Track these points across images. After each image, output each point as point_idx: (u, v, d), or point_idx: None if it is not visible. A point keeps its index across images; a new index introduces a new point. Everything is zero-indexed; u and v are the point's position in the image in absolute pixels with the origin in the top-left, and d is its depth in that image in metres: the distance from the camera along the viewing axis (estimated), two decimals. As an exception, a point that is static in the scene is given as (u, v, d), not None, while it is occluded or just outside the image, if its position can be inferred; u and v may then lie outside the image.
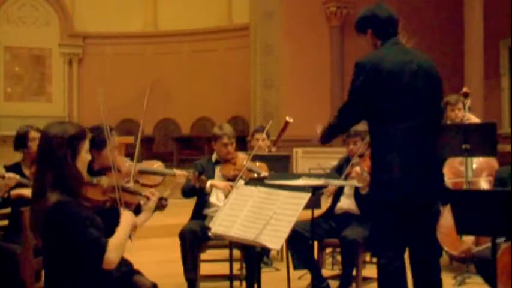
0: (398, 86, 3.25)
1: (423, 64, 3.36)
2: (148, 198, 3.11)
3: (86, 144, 2.81)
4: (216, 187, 4.73)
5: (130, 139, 9.76)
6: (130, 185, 3.88)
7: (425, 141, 3.28)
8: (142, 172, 4.21)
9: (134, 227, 2.87)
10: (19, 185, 4.26)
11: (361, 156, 4.65)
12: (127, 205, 3.26)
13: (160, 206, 3.18)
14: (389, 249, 3.30)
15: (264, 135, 6.03)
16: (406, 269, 3.35)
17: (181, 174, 4.41)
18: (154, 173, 4.30)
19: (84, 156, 2.81)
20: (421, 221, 3.31)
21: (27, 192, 4.12)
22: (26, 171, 4.49)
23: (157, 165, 4.44)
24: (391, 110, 3.25)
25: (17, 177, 4.22)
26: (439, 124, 3.48)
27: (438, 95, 3.43)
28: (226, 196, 4.63)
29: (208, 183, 4.74)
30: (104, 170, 3.55)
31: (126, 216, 2.85)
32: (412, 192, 3.23)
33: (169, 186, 4.36)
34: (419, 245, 3.37)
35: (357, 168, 4.46)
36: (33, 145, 4.49)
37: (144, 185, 4.29)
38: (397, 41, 3.42)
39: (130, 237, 2.88)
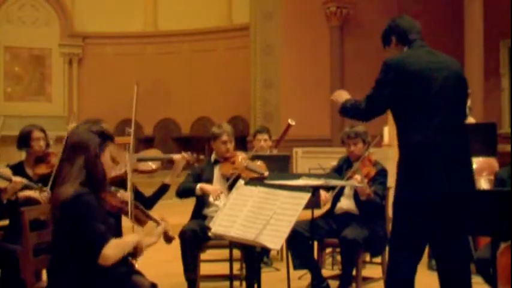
0: (426, 86, 3.24)
1: (452, 66, 3.37)
2: (158, 224, 3.19)
3: (111, 145, 2.94)
4: (205, 191, 4.73)
5: (130, 139, 9.76)
6: (129, 174, 3.93)
7: (451, 141, 3.27)
8: (140, 160, 4.26)
9: (140, 249, 2.92)
10: (25, 188, 4.26)
11: (360, 158, 4.64)
12: (137, 220, 3.37)
13: (168, 239, 3.26)
14: (403, 249, 3.28)
15: (266, 136, 6.06)
16: (414, 275, 3.32)
17: (180, 158, 4.40)
18: (152, 160, 4.33)
19: (108, 159, 2.93)
20: (448, 222, 3.25)
21: (34, 194, 4.17)
22: (29, 171, 4.50)
23: (154, 152, 4.49)
24: (419, 108, 3.23)
25: (24, 180, 4.22)
26: (463, 126, 3.46)
27: (464, 97, 3.44)
28: (214, 200, 4.64)
29: (198, 186, 4.75)
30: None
31: (134, 237, 2.94)
32: (437, 192, 3.18)
33: (170, 171, 4.36)
34: (449, 247, 3.33)
35: (358, 177, 4.45)
36: (36, 145, 4.50)
37: (142, 172, 4.33)
38: (424, 44, 3.42)
39: (135, 256, 2.93)
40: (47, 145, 4.61)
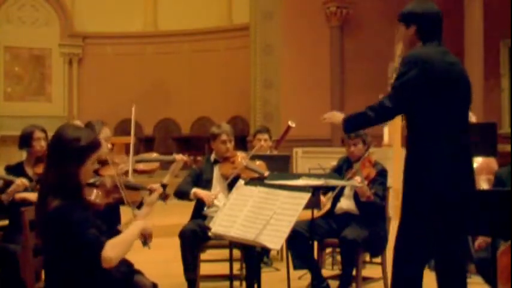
0: (445, 86, 3.22)
1: (462, 68, 3.40)
2: (150, 192, 3.14)
3: (95, 156, 2.81)
4: (198, 196, 4.73)
5: (130, 139, 9.75)
6: (130, 176, 3.92)
7: (464, 144, 3.29)
8: (139, 161, 4.28)
9: (149, 234, 2.86)
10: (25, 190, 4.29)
11: (360, 159, 4.64)
12: (132, 203, 3.31)
13: (164, 196, 3.20)
14: (410, 248, 3.28)
15: (266, 136, 6.06)
16: (422, 278, 3.32)
17: (180, 158, 4.40)
18: (152, 161, 4.36)
19: (90, 167, 2.82)
20: (449, 222, 3.25)
21: (31, 196, 4.17)
22: (29, 171, 4.52)
23: (154, 155, 4.52)
24: (439, 108, 3.21)
25: (26, 183, 4.26)
26: (467, 126, 3.46)
27: (469, 99, 3.43)
28: (208, 206, 4.64)
29: (192, 191, 4.74)
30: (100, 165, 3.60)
31: (137, 224, 2.84)
32: (438, 192, 3.18)
33: (168, 172, 4.37)
34: (449, 247, 3.33)
35: (358, 178, 4.45)
36: (37, 145, 4.55)
37: (142, 172, 4.34)
38: (439, 43, 3.33)
39: (146, 243, 2.88)
40: (48, 145, 4.64)
